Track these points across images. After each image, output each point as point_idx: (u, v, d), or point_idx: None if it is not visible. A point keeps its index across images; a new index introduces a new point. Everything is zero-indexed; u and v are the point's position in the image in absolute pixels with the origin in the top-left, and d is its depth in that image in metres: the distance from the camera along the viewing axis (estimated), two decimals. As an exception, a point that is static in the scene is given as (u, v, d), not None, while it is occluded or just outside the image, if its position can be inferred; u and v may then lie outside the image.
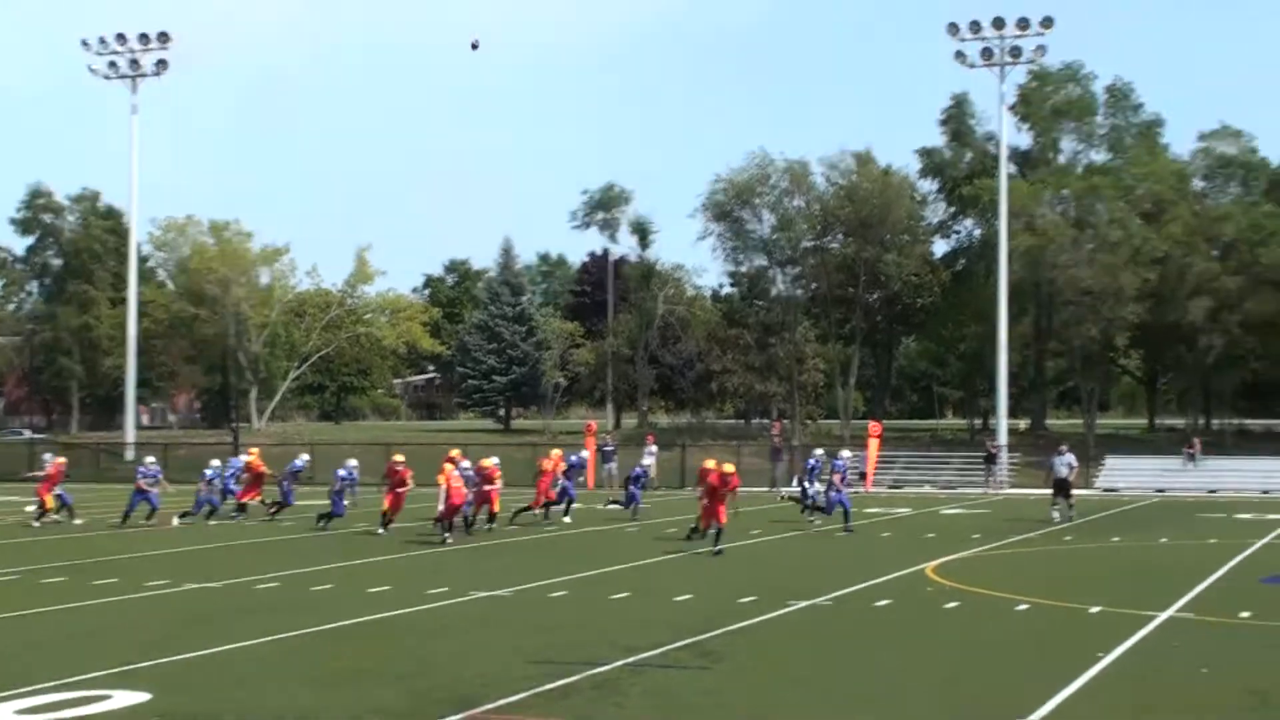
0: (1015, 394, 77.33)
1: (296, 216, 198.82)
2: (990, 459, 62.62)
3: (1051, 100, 77.93)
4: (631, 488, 41.64)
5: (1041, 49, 67.12)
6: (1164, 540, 35.11)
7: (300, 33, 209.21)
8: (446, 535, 32.13)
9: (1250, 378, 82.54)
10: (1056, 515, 40.77)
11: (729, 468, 31.14)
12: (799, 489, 42.75)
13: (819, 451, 43.87)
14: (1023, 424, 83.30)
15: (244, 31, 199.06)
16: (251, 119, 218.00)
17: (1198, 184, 79.41)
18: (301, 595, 23.47)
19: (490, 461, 35.73)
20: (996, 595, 23.49)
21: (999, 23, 66.12)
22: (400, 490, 35.11)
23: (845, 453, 40.35)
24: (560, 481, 39.62)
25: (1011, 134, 74.41)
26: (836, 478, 37.60)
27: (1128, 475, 61.76)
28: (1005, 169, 68.75)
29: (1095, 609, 21.74)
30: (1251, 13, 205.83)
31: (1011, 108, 73.55)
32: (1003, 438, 66.40)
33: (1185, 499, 54.09)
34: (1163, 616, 20.95)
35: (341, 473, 37.54)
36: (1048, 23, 65.80)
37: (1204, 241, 72.84)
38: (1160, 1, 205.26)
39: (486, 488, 34.87)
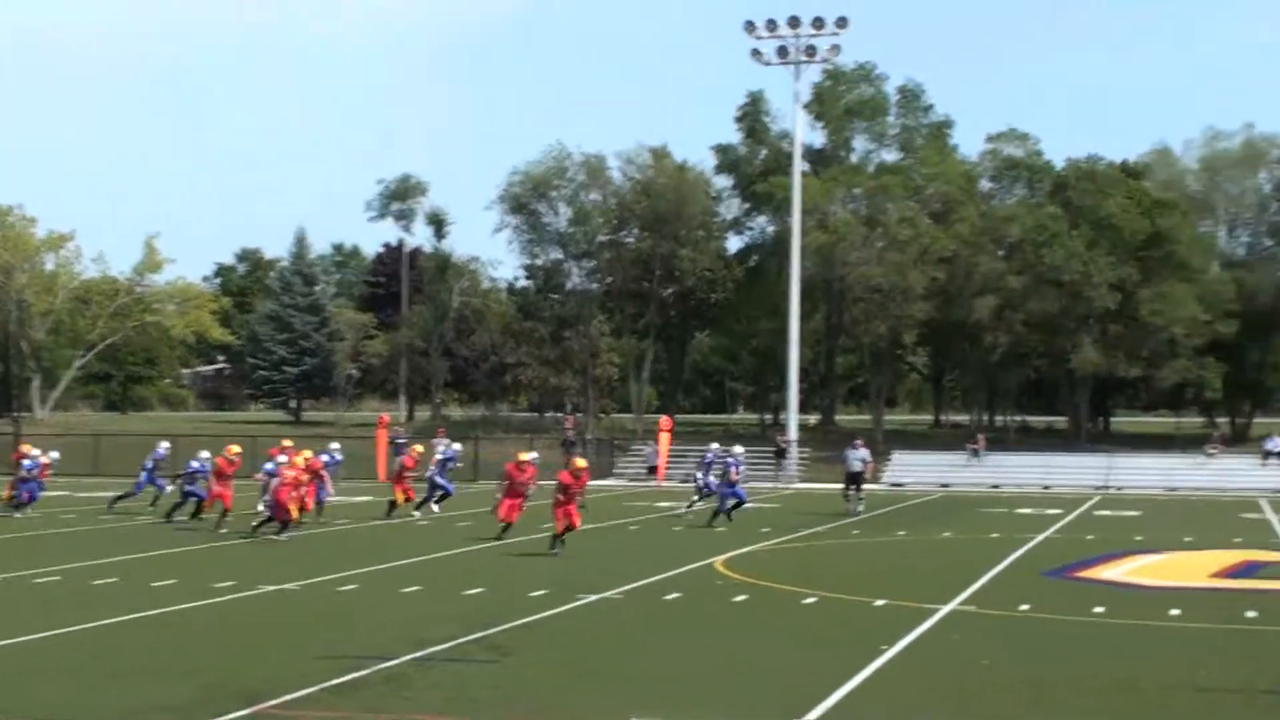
0: (806, 389, 78.40)
1: (84, 203, 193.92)
2: (781, 454, 63.37)
3: (845, 100, 78.96)
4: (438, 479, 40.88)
5: (836, 48, 67.94)
6: (948, 535, 35.81)
7: (88, 13, 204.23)
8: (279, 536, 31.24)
9: (1033, 375, 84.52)
10: (860, 508, 41.55)
11: (581, 463, 30.18)
12: (695, 483, 42.82)
13: (714, 446, 43.91)
14: (813, 419, 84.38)
15: (26, 7, 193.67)
16: (35, 99, 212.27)
17: (985, 185, 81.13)
18: (83, 589, 22.91)
19: (310, 455, 35.17)
20: (784, 588, 23.74)
21: (794, 21, 66.72)
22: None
23: (738, 449, 40.21)
24: (432, 472, 39.39)
25: (805, 132, 75.34)
26: (734, 474, 37.68)
27: (914, 470, 62.86)
28: (799, 166, 69.46)
29: (880, 602, 22.08)
30: (1038, 19, 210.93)
31: (806, 106, 74.32)
32: (793, 432, 67.15)
33: (969, 494, 55.24)
34: (945, 610, 21.32)
35: (195, 464, 36.85)
36: (842, 22, 66.59)
37: (990, 242, 74.42)
38: (952, 6, 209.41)
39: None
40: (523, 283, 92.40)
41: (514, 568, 26.81)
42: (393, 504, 38.83)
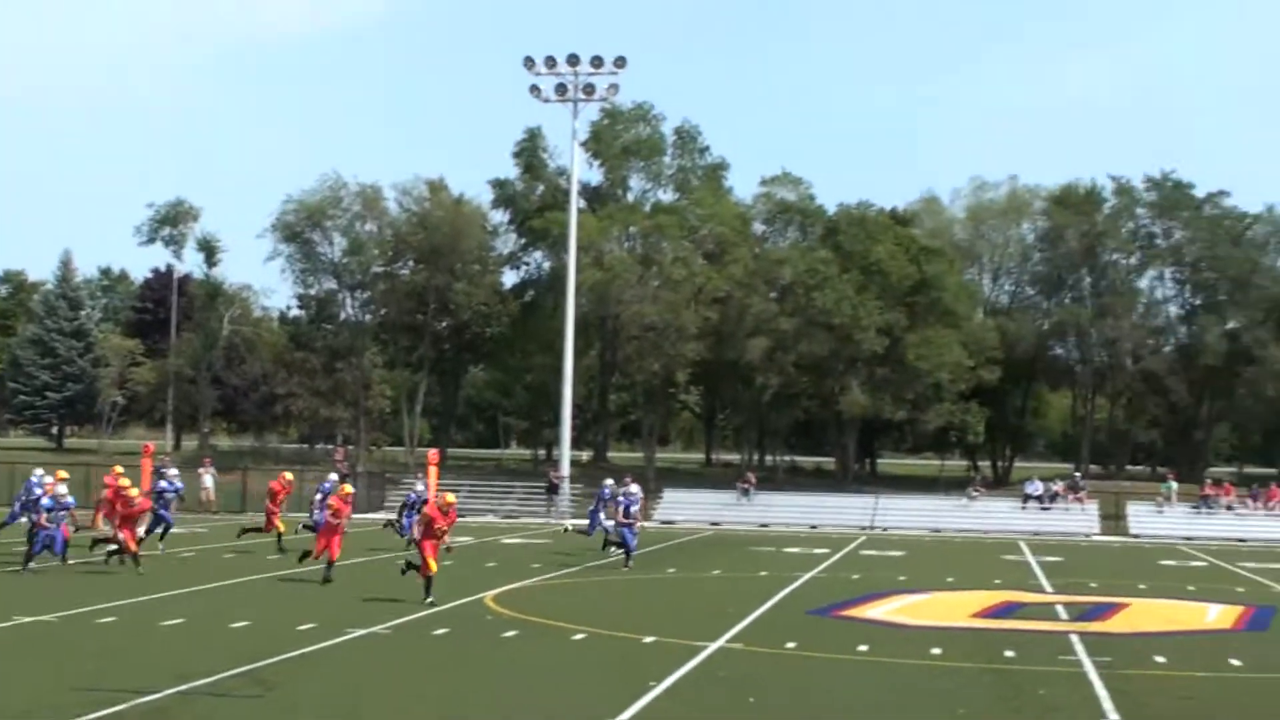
0: (579, 426, 78.54)
1: None
2: (553, 489, 63.37)
3: (622, 139, 79.59)
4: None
5: (614, 88, 68.31)
6: (717, 572, 36.09)
7: None
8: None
9: (802, 416, 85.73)
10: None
11: (451, 499, 28.19)
12: (587, 521, 42.62)
13: (609, 482, 43.53)
14: (585, 456, 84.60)
15: None
16: None
17: (759, 227, 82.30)
18: None
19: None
20: (554, 624, 23.72)
21: (574, 59, 66.99)
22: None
23: (634, 487, 39.60)
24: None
25: (583, 170, 75.55)
26: (616, 511, 37.47)
27: (684, 508, 63.19)
28: (575, 204, 69.72)
29: (649, 639, 22.16)
30: (813, 65, 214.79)
31: (583, 144, 74.66)
32: (566, 468, 67.20)
33: (739, 532, 55.71)
34: (713, 647, 21.49)
35: (163, 484, 36.08)
36: (621, 62, 67.00)
37: (763, 283, 75.32)
38: (728, 49, 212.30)
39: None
40: (295, 312, 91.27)
41: (282, 601, 26.42)
42: (262, 532, 37.71)
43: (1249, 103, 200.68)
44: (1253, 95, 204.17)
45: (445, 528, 27.03)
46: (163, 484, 38.41)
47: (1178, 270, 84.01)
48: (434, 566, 26.34)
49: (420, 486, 43.30)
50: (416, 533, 27.09)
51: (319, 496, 37.82)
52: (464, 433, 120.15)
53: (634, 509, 37.19)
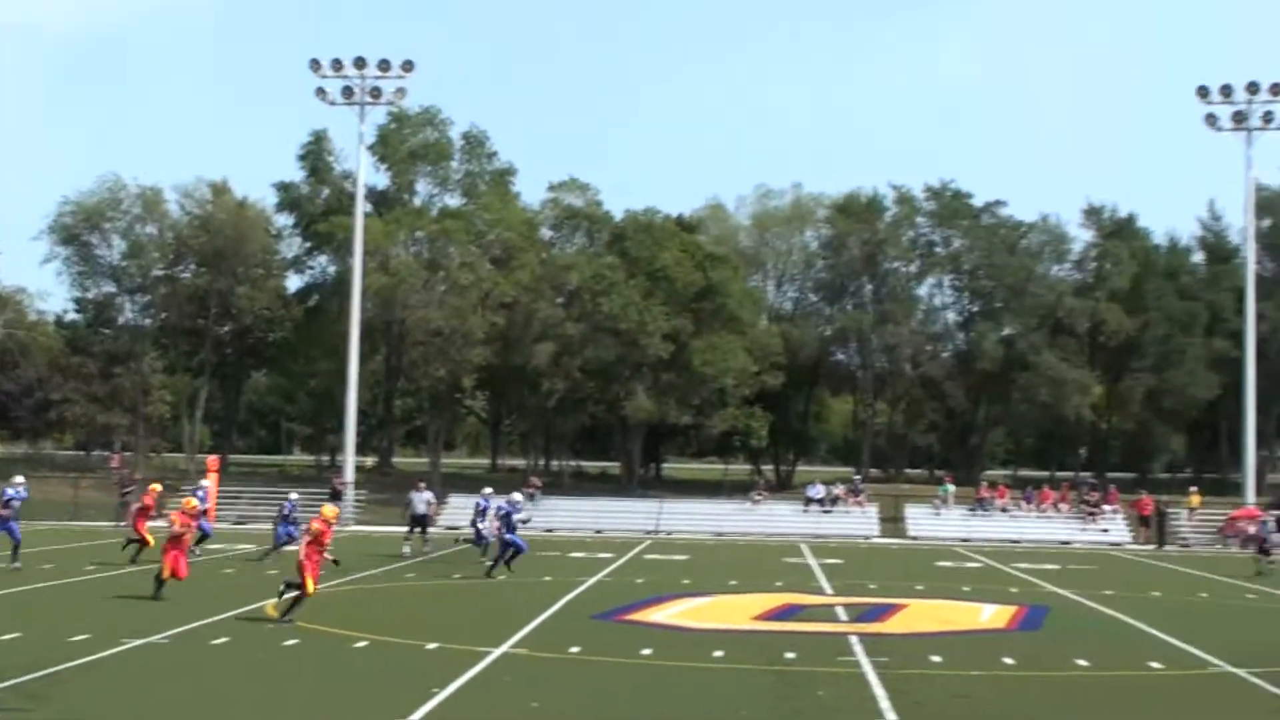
0: (364, 431, 77.91)
1: None
2: (336, 496, 62.68)
3: (409, 143, 79.05)
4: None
5: (401, 91, 67.70)
6: (503, 578, 36.00)
7: None
8: None
9: (588, 421, 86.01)
10: (408, 550, 41.62)
11: (330, 511, 26.49)
12: (473, 530, 42.03)
13: (488, 490, 43.39)
14: (370, 461, 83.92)
15: None
16: None
17: (546, 233, 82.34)
18: None
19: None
20: (336, 632, 23.49)
21: (360, 62, 66.20)
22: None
23: (516, 495, 38.89)
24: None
25: (369, 174, 74.82)
26: (495, 523, 36.94)
27: (469, 515, 62.65)
28: (361, 208, 68.99)
29: (432, 645, 22.08)
30: (600, 71, 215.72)
31: (370, 148, 73.93)
32: (350, 475, 66.52)
33: (525, 537, 55.60)
34: (497, 652, 21.48)
35: (10, 491, 33.90)
36: (408, 66, 66.39)
37: (550, 289, 75.38)
38: (516, 54, 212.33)
39: None
40: (72, 316, 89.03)
41: (54, 611, 25.79)
42: (141, 545, 36.48)
43: (1024, 115, 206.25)
44: (1027, 108, 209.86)
45: (328, 540, 25.76)
46: (10, 491, 36.92)
47: (956, 278, 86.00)
48: (312, 587, 25.01)
49: (294, 495, 42.64)
50: (302, 550, 25.44)
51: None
52: (246, 439, 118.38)
53: (515, 516, 36.89)
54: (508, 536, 36.50)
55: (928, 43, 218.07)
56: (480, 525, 41.23)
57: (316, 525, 25.44)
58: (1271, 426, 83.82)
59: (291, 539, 37.98)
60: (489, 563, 37.35)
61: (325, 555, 25.63)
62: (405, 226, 75.68)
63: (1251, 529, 62.18)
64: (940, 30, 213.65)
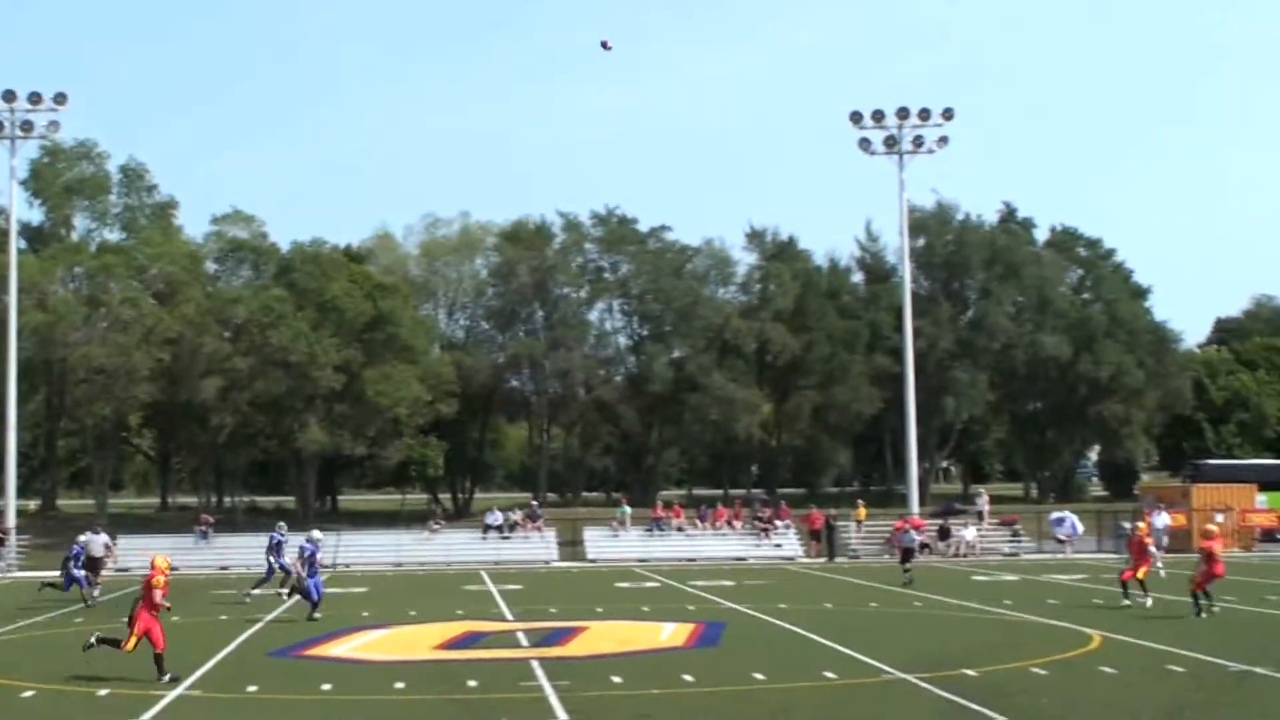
0: (25, 474, 75.09)
1: None
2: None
3: (64, 177, 76.62)
4: None
5: (55, 124, 65.60)
6: (177, 619, 34.93)
7: None
8: None
9: (260, 455, 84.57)
10: (97, 594, 40.59)
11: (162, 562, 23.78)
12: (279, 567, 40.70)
13: (282, 525, 42.64)
14: (33, 504, 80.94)
15: None
16: None
17: (211, 266, 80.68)
18: None
19: None
20: (2, 682, 22.61)
21: (10, 95, 63.56)
22: None
23: (316, 533, 36.79)
24: None
25: (23, 209, 72.49)
26: (297, 563, 35.77)
27: (140, 555, 61.25)
28: (15, 244, 66.72)
29: (104, 692, 21.43)
30: (255, 102, 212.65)
31: (22, 182, 71.64)
32: (12, 519, 64.16)
33: (198, 576, 54.51)
34: (172, 695, 20.97)
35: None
36: (61, 98, 63.98)
37: (216, 323, 73.95)
38: (175, 87, 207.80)
39: None
40: None
41: None
42: None
43: (685, 141, 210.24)
44: (687, 134, 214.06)
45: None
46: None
47: (625, 302, 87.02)
48: (132, 644, 22.81)
49: (83, 537, 41.49)
50: (139, 606, 23.10)
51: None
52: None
53: (317, 556, 35.64)
54: (309, 582, 34.57)
55: (588, 68, 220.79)
56: (274, 560, 40.72)
57: (156, 580, 23.16)
58: (933, 439, 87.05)
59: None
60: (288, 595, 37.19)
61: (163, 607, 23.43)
62: (63, 263, 73.37)
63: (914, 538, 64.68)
64: (599, 56, 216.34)
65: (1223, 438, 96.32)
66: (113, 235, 78.99)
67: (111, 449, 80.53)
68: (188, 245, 79.11)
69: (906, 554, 40.95)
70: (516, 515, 65.76)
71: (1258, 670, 22.37)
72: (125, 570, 57.58)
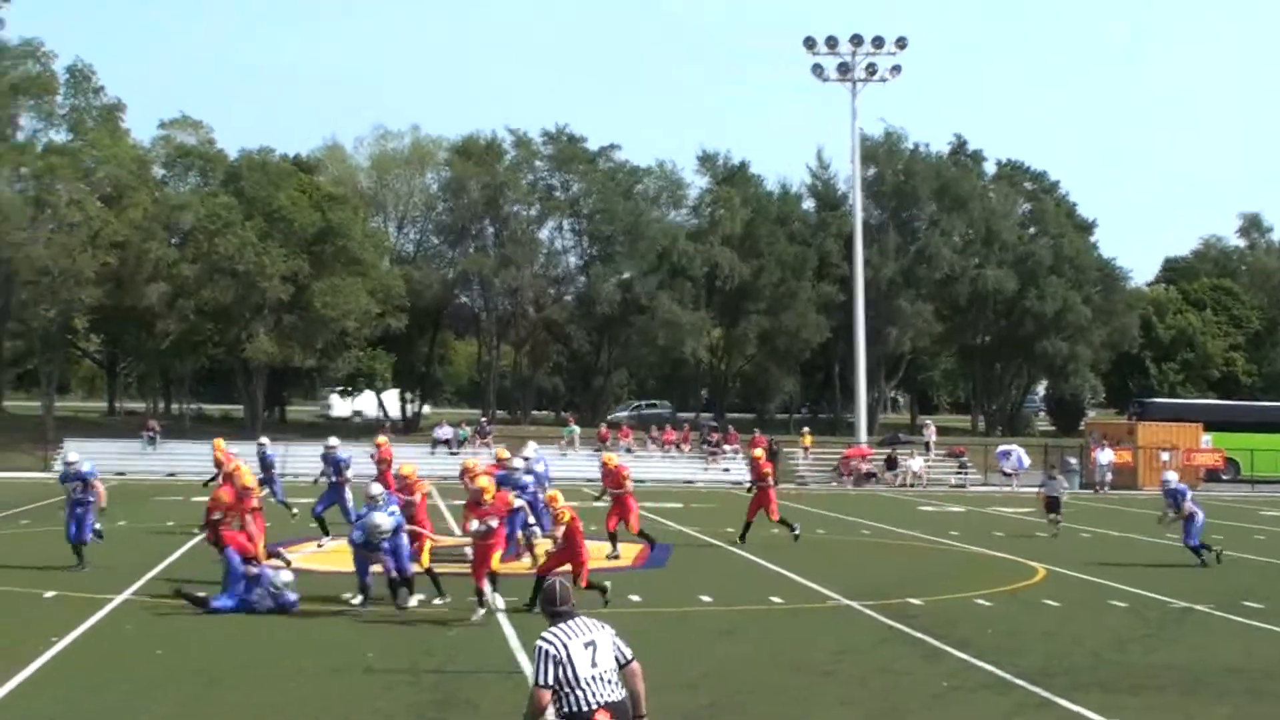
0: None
1: None
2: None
3: (9, 75, 75.51)
4: None
5: (0, 21, 65.09)
6: (123, 523, 34.89)
7: None
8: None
9: (208, 364, 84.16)
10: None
11: None
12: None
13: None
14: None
15: None
16: None
17: (159, 171, 79.94)
18: None
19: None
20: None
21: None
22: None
23: (264, 439, 36.51)
24: None
25: (-31, 108, 71.64)
26: None
27: (88, 458, 60.93)
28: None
29: (50, 594, 21.38)
30: (207, 5, 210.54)
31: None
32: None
33: (145, 482, 54.41)
34: (118, 600, 20.95)
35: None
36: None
37: (163, 228, 73.26)
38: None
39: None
40: None
41: None
42: None
43: (637, 61, 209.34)
44: (640, 54, 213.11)
45: None
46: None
47: (575, 222, 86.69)
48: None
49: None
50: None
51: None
52: None
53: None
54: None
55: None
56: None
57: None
58: (881, 369, 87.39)
59: None
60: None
61: None
62: (8, 162, 72.36)
63: (865, 468, 65.17)
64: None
65: (1166, 376, 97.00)
66: (59, 137, 77.92)
67: (58, 352, 79.87)
68: (135, 149, 78.16)
69: (1052, 503, 39.13)
70: (466, 431, 65.75)
71: (1199, 608, 22.65)
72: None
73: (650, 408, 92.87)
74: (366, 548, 20.72)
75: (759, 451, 35.12)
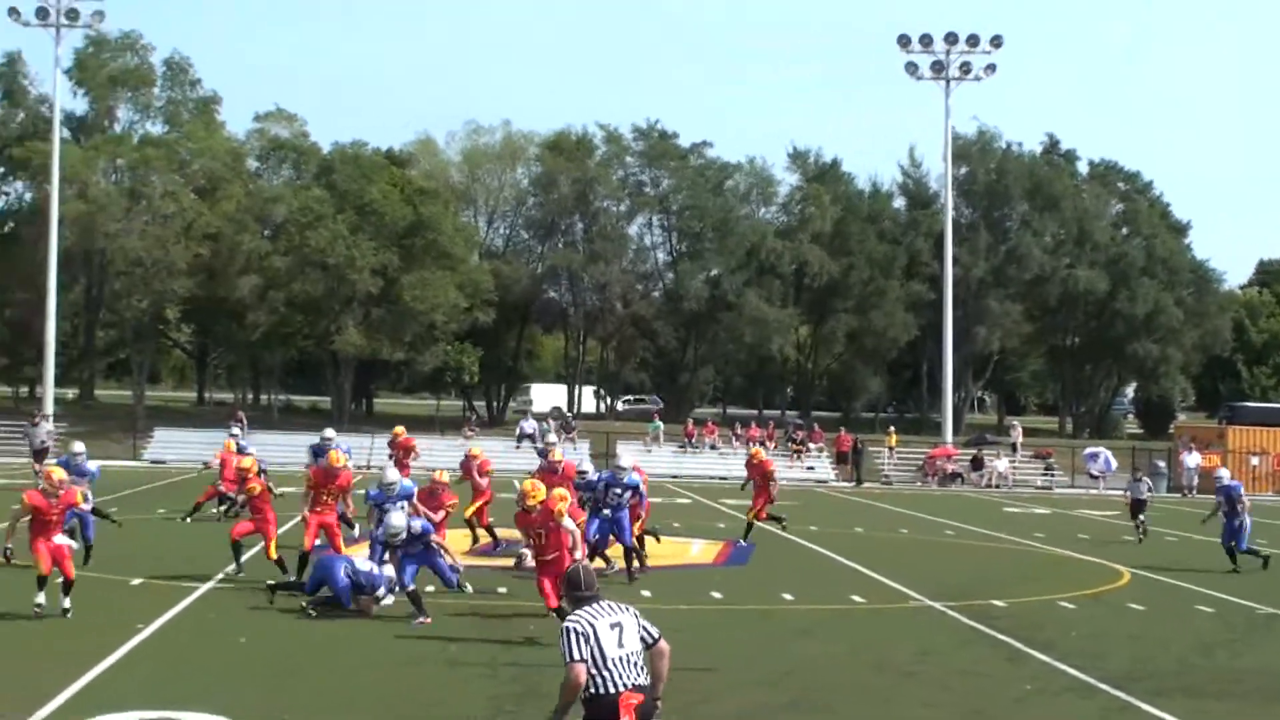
0: (64, 363, 75.48)
1: None
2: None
3: (108, 67, 76.48)
4: None
5: (99, 14, 65.78)
6: (213, 512, 35.15)
7: None
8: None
9: (297, 356, 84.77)
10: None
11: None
12: None
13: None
14: (71, 394, 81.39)
15: None
16: None
17: (252, 164, 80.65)
18: None
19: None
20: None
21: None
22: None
23: (329, 431, 36.96)
24: None
25: (67, 99, 72.67)
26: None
27: (175, 448, 61.71)
28: (58, 133, 66.83)
29: (137, 581, 21.59)
30: (307, 2, 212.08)
31: (66, 71, 71.70)
32: (50, 407, 64.64)
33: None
34: (204, 588, 21.14)
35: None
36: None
37: (255, 221, 73.91)
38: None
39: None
40: None
41: None
42: None
43: (734, 59, 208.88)
44: (738, 52, 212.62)
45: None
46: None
47: (664, 218, 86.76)
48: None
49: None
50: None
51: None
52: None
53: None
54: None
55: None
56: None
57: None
58: (969, 369, 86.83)
59: None
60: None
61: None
62: (105, 154, 73.42)
63: (950, 468, 64.76)
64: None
65: (1258, 379, 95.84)
66: (155, 128, 78.91)
67: (149, 342, 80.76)
68: (230, 142, 78.97)
69: (1137, 506, 38.36)
70: (550, 426, 65.84)
71: (1287, 614, 22.35)
72: (160, 462, 58.26)
73: (639, 403, 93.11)
74: (389, 548, 19.76)
75: (758, 449, 34.89)
